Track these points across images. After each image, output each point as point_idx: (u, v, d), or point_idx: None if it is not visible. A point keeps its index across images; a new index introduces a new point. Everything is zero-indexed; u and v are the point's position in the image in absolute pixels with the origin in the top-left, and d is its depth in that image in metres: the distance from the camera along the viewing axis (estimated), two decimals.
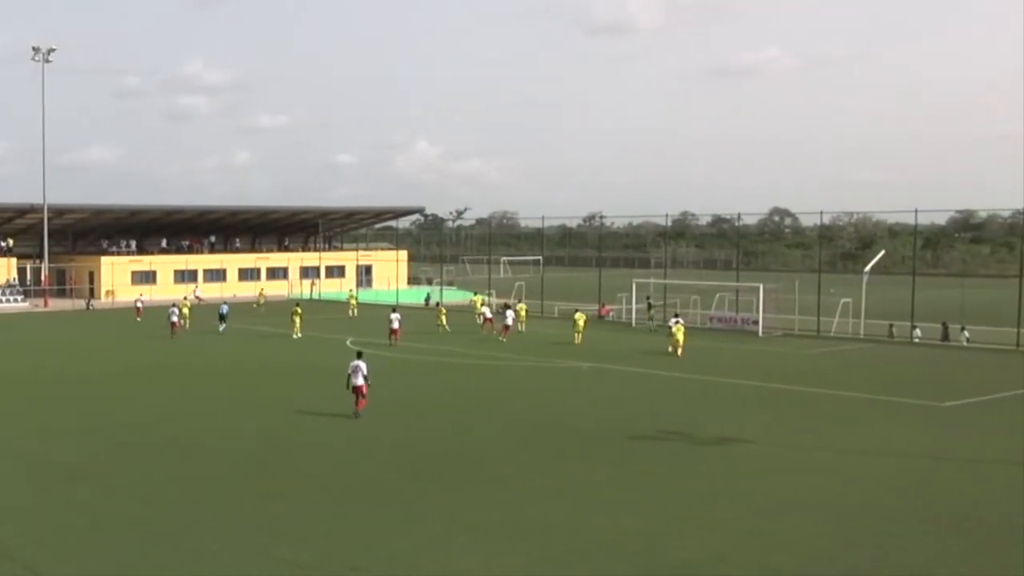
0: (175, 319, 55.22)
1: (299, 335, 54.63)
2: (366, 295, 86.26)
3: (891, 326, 55.18)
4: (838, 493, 21.63)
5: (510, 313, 54.06)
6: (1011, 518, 19.56)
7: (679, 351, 46.40)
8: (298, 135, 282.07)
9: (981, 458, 25.17)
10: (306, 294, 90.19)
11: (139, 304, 68.15)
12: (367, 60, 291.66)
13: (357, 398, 30.23)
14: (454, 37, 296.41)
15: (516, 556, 17.22)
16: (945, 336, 53.53)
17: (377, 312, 64.62)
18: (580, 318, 51.76)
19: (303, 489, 21.93)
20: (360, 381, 30.20)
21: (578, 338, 51.00)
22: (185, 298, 69.61)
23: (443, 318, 57.86)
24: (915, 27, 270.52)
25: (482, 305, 61.76)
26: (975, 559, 17.17)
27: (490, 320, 56.53)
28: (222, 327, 57.58)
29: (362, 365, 30.46)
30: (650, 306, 60.34)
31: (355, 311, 69.26)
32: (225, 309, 60.34)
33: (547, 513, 19.95)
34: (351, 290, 79.74)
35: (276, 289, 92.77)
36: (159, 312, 57.85)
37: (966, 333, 52.61)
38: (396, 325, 51.03)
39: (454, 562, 16.93)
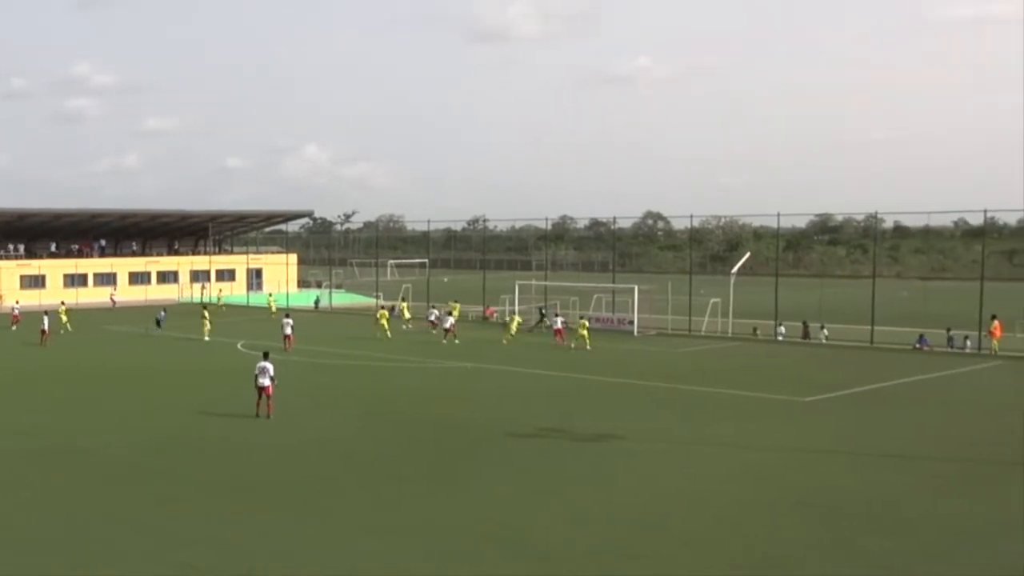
0: (44, 327, 52.72)
1: (208, 338, 53.73)
2: (257, 298, 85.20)
3: (755, 329, 56.53)
4: (710, 486, 22.17)
5: (450, 318, 54.23)
6: (871, 507, 20.29)
7: (587, 344, 48.75)
8: (187, 138, 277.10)
9: (841, 450, 26.02)
10: (198, 298, 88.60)
11: (15, 311, 62.59)
12: (256, 64, 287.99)
13: (260, 399, 29.93)
14: (341, 43, 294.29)
15: (411, 553, 17.27)
16: (806, 334, 55.12)
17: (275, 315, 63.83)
18: (583, 325, 51.33)
19: (200, 492, 21.63)
20: (266, 382, 29.87)
21: (586, 344, 49.71)
22: (62, 303, 66.68)
23: (386, 322, 55.43)
24: (776, 37, 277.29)
25: (407, 311, 59.41)
26: (839, 547, 17.77)
27: (452, 329, 53.58)
28: (158, 331, 57.87)
29: (268, 366, 30.12)
30: (542, 316, 60.08)
31: (275, 313, 67.43)
32: (163, 315, 60.51)
33: (439, 510, 20.04)
34: (271, 294, 78.28)
35: (166, 293, 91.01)
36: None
37: (825, 331, 54.25)
38: (288, 331, 49.39)
39: (350, 561, 16.91)
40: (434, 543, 17.89)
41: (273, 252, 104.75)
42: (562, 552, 17.40)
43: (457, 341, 51.67)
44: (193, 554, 17.22)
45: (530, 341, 53.17)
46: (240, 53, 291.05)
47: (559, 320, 53.93)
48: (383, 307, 60.74)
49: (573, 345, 49.24)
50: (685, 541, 18.04)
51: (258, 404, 29.93)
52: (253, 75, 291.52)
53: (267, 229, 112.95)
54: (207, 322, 55.15)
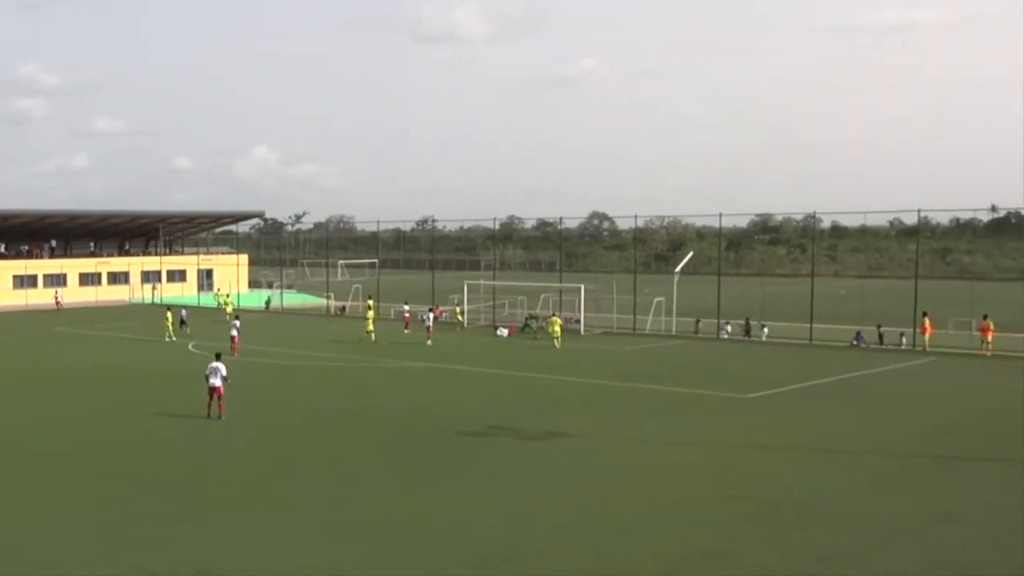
0: None
1: (172, 339, 52.88)
2: (208, 299, 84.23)
3: (697, 322, 56.78)
4: (654, 481, 22.18)
5: (430, 315, 53.77)
6: (810, 500, 20.42)
7: (557, 343, 49.31)
8: (137, 139, 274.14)
9: (781, 445, 26.15)
10: (148, 298, 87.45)
11: None
12: (204, 65, 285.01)
13: (211, 400, 29.46)
14: (289, 44, 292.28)
15: (360, 554, 17.07)
16: (747, 332, 55.43)
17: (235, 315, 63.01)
18: (555, 322, 51.23)
19: (150, 493, 21.26)
20: (217, 382, 29.43)
21: (557, 343, 49.77)
22: None
23: (371, 323, 53.78)
24: (715, 40, 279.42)
25: (371, 311, 56.85)
26: (776, 540, 17.82)
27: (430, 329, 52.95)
28: (187, 330, 57.05)
29: (220, 367, 29.72)
30: (527, 322, 59.42)
31: (230, 314, 64.46)
32: (185, 314, 59.70)
33: (388, 511, 19.85)
34: (227, 294, 77.19)
35: (118, 294, 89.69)
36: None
37: (766, 329, 54.60)
38: (234, 332, 47.95)
39: (300, 561, 16.67)
40: (383, 543, 17.69)
41: (224, 253, 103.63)
42: (508, 550, 17.28)
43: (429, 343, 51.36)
44: (143, 556, 16.87)
45: (481, 340, 52.95)
46: (188, 54, 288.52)
47: (430, 316, 53.69)
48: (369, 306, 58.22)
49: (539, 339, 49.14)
50: (629, 536, 17.97)
51: (209, 405, 29.48)
52: (201, 76, 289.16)
53: (218, 230, 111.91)
54: (169, 324, 54.25)
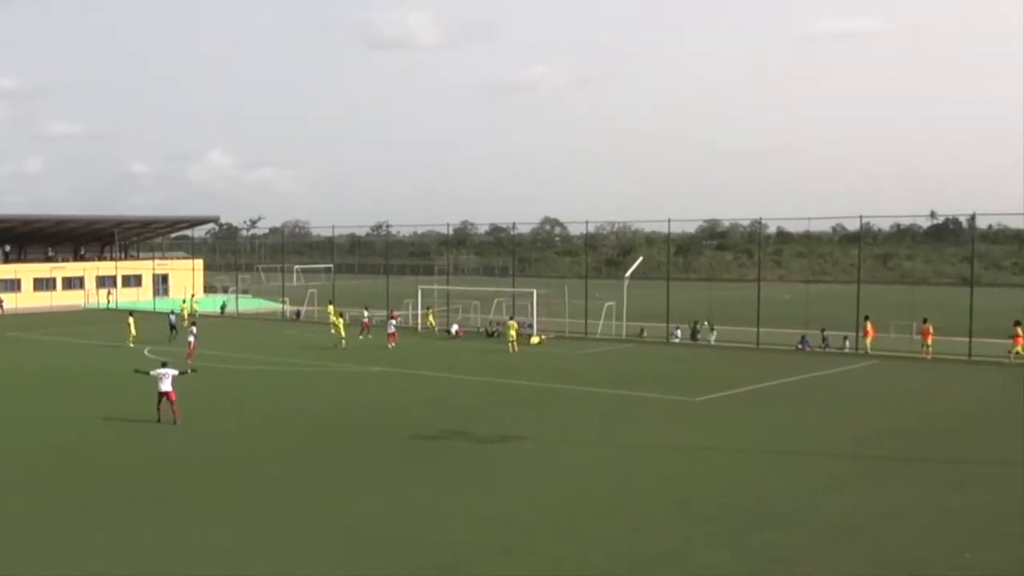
0: None
1: (133, 344, 52.23)
2: (164, 303, 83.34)
3: (641, 331, 56.80)
4: (605, 484, 22.25)
5: (392, 322, 53.21)
6: (761, 501, 20.58)
7: (513, 347, 48.93)
8: (92, 143, 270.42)
9: (731, 447, 26.37)
10: (104, 304, 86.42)
11: None
12: (160, 69, 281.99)
13: (160, 404, 29.23)
14: (245, 48, 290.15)
15: (316, 557, 16.91)
16: (693, 336, 55.79)
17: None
18: (512, 327, 50.94)
19: (100, 498, 20.98)
20: (167, 387, 29.22)
21: (512, 347, 49.42)
22: None
23: (343, 329, 52.99)
24: (661, 48, 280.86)
25: (336, 316, 55.93)
26: (727, 541, 17.98)
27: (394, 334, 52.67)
28: (173, 334, 55.68)
29: (170, 372, 29.49)
30: (490, 329, 59.06)
31: (190, 319, 63.35)
32: (174, 318, 57.96)
33: (344, 514, 19.77)
34: (193, 296, 76.09)
35: (72, 299, 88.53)
36: None
37: (714, 333, 55.06)
38: (191, 338, 47.28)
39: (252, 565, 16.51)
40: (339, 547, 17.60)
41: (179, 258, 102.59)
42: (463, 553, 17.29)
43: (345, 344, 51.28)
44: (94, 562, 16.65)
45: (436, 345, 52.95)
46: (144, 58, 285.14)
47: (392, 323, 53.24)
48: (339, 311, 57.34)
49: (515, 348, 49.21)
50: (586, 538, 18.04)
51: (159, 409, 29.21)
52: (157, 80, 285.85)
53: (173, 235, 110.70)
54: (132, 328, 53.64)
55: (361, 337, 54.77)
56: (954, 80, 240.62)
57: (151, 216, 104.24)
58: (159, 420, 29.02)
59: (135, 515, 19.66)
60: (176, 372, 29.78)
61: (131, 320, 54.48)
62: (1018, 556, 17.23)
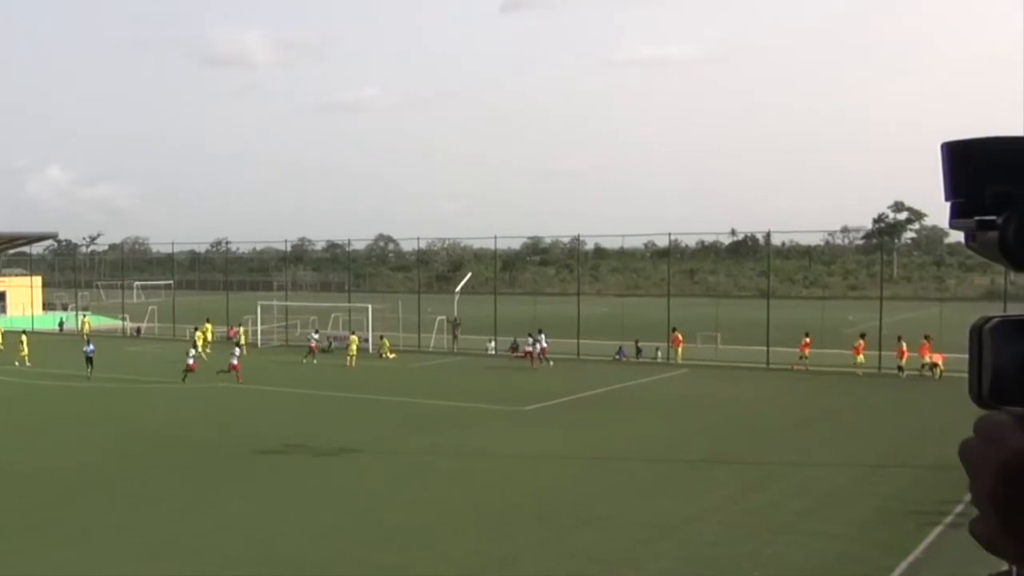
0: None
1: (28, 364, 48.94)
2: (2, 322, 78.77)
3: (454, 337, 56.67)
4: (445, 492, 22.29)
5: (236, 351, 46.16)
6: (579, 505, 20.97)
7: (352, 360, 48.21)
8: None
9: (556, 454, 26.73)
10: None
11: None
12: None
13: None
14: (80, 64, 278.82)
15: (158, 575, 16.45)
16: (514, 348, 55.56)
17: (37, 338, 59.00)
18: (353, 341, 49.69)
19: None
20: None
21: (351, 361, 48.40)
22: None
23: (201, 343, 50.68)
24: (485, 70, 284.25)
25: (204, 338, 53.13)
26: (552, 544, 18.25)
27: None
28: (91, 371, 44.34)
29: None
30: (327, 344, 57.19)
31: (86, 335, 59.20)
32: (90, 349, 45.45)
33: (181, 531, 19.13)
34: (87, 310, 71.55)
35: None
36: None
37: (537, 346, 55.37)
38: (234, 360, 42.69)
39: None
40: (182, 564, 17.06)
41: (17, 275, 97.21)
42: (304, 565, 17.00)
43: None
44: None
45: (277, 360, 51.83)
46: None
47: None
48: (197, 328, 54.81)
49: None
50: (425, 546, 18.02)
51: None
52: None
53: (11, 252, 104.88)
54: (24, 347, 50.31)
55: (304, 361, 50.52)
56: (751, 108, 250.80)
57: None
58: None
59: None
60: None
61: (23, 339, 51.30)
62: (815, 550, 18.08)
